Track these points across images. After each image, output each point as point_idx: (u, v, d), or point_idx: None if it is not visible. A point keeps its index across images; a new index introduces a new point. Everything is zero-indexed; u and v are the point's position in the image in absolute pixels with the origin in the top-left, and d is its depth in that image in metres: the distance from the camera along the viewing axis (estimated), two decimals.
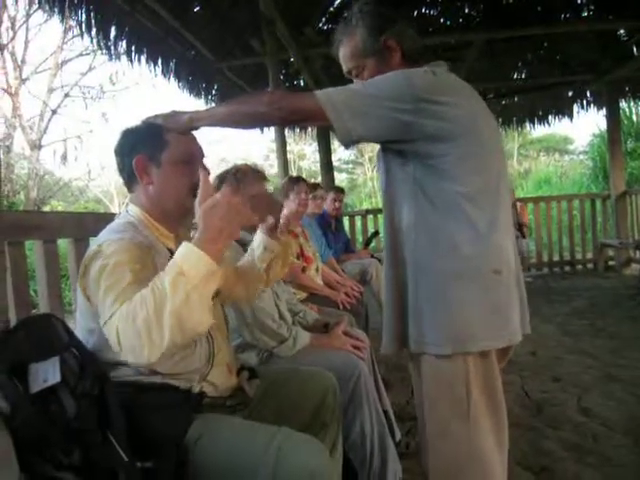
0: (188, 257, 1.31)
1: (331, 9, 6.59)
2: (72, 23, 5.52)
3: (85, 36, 5.23)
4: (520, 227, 8.00)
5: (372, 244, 6.47)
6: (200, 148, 1.80)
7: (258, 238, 2.04)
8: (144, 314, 1.26)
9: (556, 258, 9.37)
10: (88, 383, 1.40)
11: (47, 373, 1.34)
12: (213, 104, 7.74)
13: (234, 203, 1.35)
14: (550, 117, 10.39)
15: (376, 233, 6.79)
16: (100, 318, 1.41)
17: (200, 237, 1.35)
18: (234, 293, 2.04)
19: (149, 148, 1.68)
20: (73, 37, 15.41)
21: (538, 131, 27.42)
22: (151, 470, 1.39)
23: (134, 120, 1.80)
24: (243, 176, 2.53)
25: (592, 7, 6.86)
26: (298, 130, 10.28)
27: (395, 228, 1.73)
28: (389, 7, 1.82)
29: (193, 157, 1.74)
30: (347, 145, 1.63)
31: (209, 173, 1.44)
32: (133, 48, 5.89)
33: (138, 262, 1.47)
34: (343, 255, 5.43)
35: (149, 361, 1.28)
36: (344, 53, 1.84)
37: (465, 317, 1.58)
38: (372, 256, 5.52)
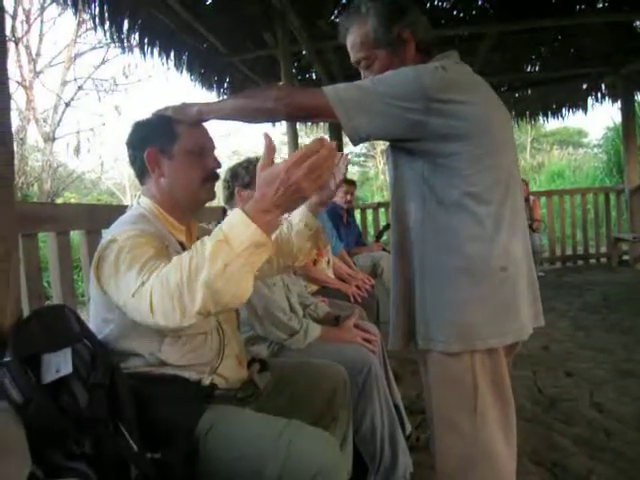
0: (235, 224, 1.29)
1: (343, 1, 6.55)
2: (85, 16, 5.52)
3: (98, 29, 5.23)
4: (531, 222, 7.96)
5: (384, 237, 6.46)
6: (211, 140, 1.80)
7: (300, 213, 1.96)
8: (177, 278, 1.26)
9: (569, 252, 9.32)
10: (99, 374, 1.41)
11: (59, 364, 1.35)
12: (225, 97, 7.74)
13: (295, 177, 1.28)
14: (564, 110, 10.29)
15: (388, 226, 6.73)
16: (122, 293, 1.40)
17: (253, 205, 1.31)
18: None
19: (160, 140, 1.68)
20: (87, 30, 15.44)
21: (552, 124, 27.30)
22: (161, 461, 1.40)
23: (146, 113, 1.81)
24: (254, 169, 2.52)
25: None
26: (310, 123, 10.26)
27: (402, 224, 1.72)
28: None
29: (204, 149, 1.74)
30: (355, 142, 1.61)
31: (270, 141, 1.37)
32: (146, 41, 5.88)
33: (153, 246, 1.48)
34: (355, 248, 5.42)
35: (181, 325, 1.28)
36: (353, 42, 1.78)
37: (472, 314, 1.58)
38: (384, 249, 5.50)
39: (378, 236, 6.62)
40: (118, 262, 1.42)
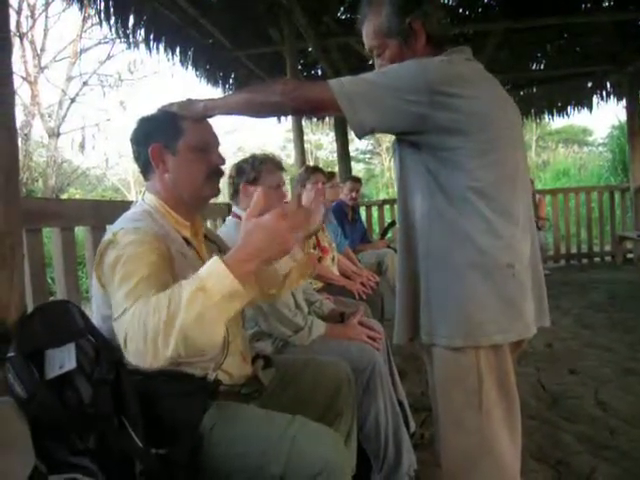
0: (213, 272, 1.28)
1: None
2: (91, 11, 5.53)
3: (104, 24, 5.26)
4: (536, 220, 7.95)
5: (389, 235, 6.45)
6: (215, 136, 1.80)
7: None
8: (155, 322, 1.24)
9: (574, 250, 9.30)
10: (104, 369, 1.41)
11: (63, 359, 1.35)
12: (230, 93, 7.74)
13: (281, 229, 1.29)
14: (569, 108, 10.28)
15: (393, 223, 6.74)
16: (113, 311, 1.40)
17: (234, 254, 1.32)
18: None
19: (165, 136, 1.68)
20: (92, 25, 15.48)
21: (557, 122, 27.24)
22: (166, 456, 1.40)
23: (151, 108, 1.81)
24: (260, 166, 2.53)
25: None
26: (315, 119, 10.27)
27: (409, 219, 1.72)
28: None
29: (209, 145, 1.74)
30: (360, 136, 1.61)
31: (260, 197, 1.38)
32: (151, 36, 5.90)
33: (154, 252, 1.47)
34: (359, 245, 5.43)
35: (150, 366, 1.27)
36: (367, 30, 1.79)
37: (476, 310, 1.57)
38: (388, 246, 5.50)
39: (383, 233, 6.62)
40: (114, 273, 1.42)
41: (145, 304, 1.29)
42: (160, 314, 1.25)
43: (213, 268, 1.29)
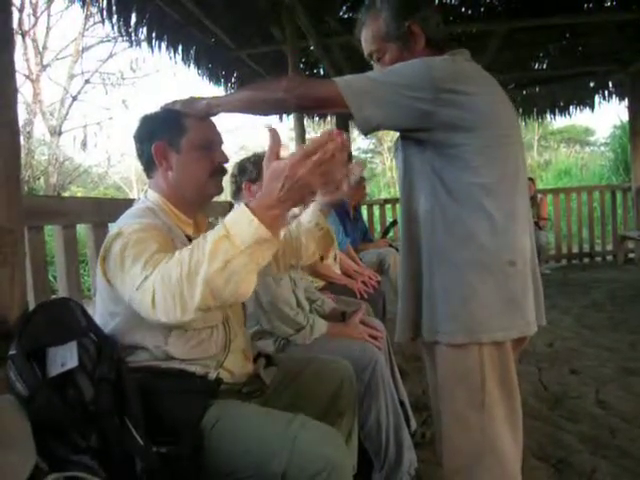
0: (238, 220, 1.26)
1: None
2: (93, 10, 5.53)
3: (106, 23, 5.25)
4: (537, 220, 7.95)
5: (390, 234, 6.46)
6: (219, 134, 1.80)
7: (311, 212, 1.94)
8: (178, 274, 1.25)
9: (575, 250, 9.30)
10: (105, 367, 1.41)
11: (65, 357, 1.35)
12: (233, 91, 7.74)
13: (301, 172, 1.23)
14: (571, 108, 10.27)
15: (394, 222, 6.74)
16: (127, 287, 1.40)
17: (258, 201, 1.28)
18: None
19: (168, 134, 1.68)
20: (94, 24, 15.47)
21: (559, 122, 27.18)
22: (167, 455, 1.40)
23: (154, 107, 1.81)
24: (262, 164, 2.52)
25: None
26: (317, 118, 10.26)
27: (412, 216, 1.73)
28: None
29: (212, 143, 1.74)
30: (366, 133, 1.63)
31: (275, 134, 1.34)
32: (154, 35, 5.88)
33: (160, 236, 1.49)
34: (361, 244, 5.43)
35: (181, 320, 1.27)
36: (366, 36, 1.82)
37: (479, 307, 1.58)
38: (390, 245, 5.51)
39: (385, 232, 6.62)
40: (123, 257, 1.42)
41: (167, 262, 1.30)
42: (182, 266, 1.25)
43: (239, 215, 1.27)
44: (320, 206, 1.92)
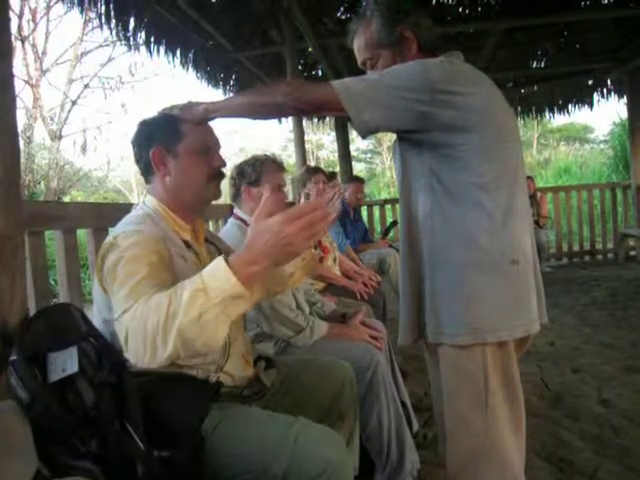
0: (215, 274, 1.26)
1: None
2: (92, 15, 5.54)
3: (104, 27, 5.26)
4: (538, 218, 7.95)
5: (391, 234, 6.46)
6: (216, 138, 1.80)
7: None
8: (154, 321, 1.24)
9: (576, 248, 9.31)
10: (106, 372, 1.41)
11: (65, 362, 1.35)
12: (231, 94, 7.75)
13: (287, 232, 1.24)
14: (570, 106, 10.26)
15: (394, 223, 6.73)
16: (113, 311, 1.41)
17: (240, 255, 1.29)
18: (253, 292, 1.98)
19: (166, 139, 1.69)
20: (93, 29, 15.49)
21: (558, 120, 27.19)
22: (168, 459, 1.40)
23: (153, 111, 1.81)
24: (261, 167, 2.53)
25: None
26: (316, 120, 10.27)
27: (411, 218, 1.73)
28: None
29: (209, 148, 1.75)
30: (364, 135, 1.63)
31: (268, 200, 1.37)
32: (152, 39, 5.89)
33: (154, 254, 1.47)
34: (361, 245, 5.43)
35: (148, 366, 1.27)
36: (359, 45, 1.83)
37: (482, 307, 1.58)
38: (390, 246, 5.51)
39: (385, 233, 6.62)
40: (115, 273, 1.43)
41: (145, 303, 1.29)
42: (160, 314, 1.24)
43: (216, 269, 1.27)
44: None
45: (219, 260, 1.28)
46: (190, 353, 1.28)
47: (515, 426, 1.66)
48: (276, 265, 1.33)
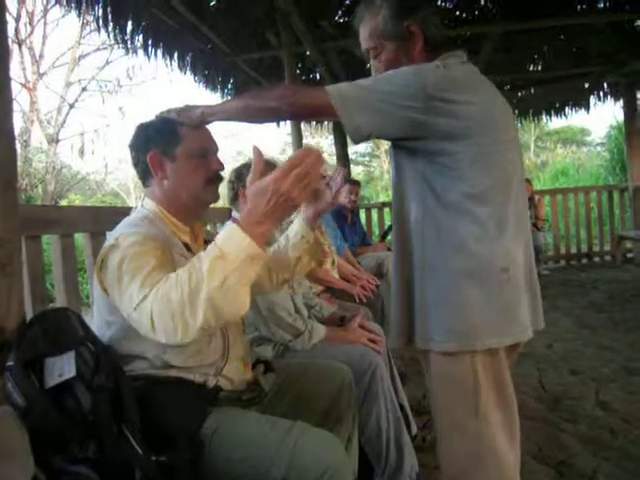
0: (229, 239, 1.30)
1: (347, 2, 6.55)
2: (89, 18, 5.53)
3: (102, 31, 5.25)
4: (535, 221, 7.96)
5: (389, 237, 6.46)
6: (214, 142, 1.80)
7: (297, 225, 1.96)
8: (179, 296, 1.26)
9: (573, 251, 9.31)
10: (103, 377, 1.41)
11: (62, 367, 1.35)
12: (229, 97, 7.75)
13: (284, 188, 1.29)
14: (567, 109, 10.31)
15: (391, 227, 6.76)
16: (125, 305, 1.41)
17: (245, 219, 1.32)
18: (259, 280, 1.96)
19: (163, 143, 1.69)
20: (90, 32, 15.51)
21: (555, 123, 27.32)
22: (166, 464, 1.40)
23: (150, 114, 1.81)
24: None
25: None
26: (314, 123, 10.28)
27: (403, 225, 1.73)
28: None
29: (207, 151, 1.75)
30: (356, 141, 1.62)
31: (259, 154, 1.40)
32: (149, 42, 5.89)
33: (157, 250, 1.49)
34: (359, 248, 5.42)
35: (182, 341, 1.29)
36: (364, 32, 1.80)
37: (471, 315, 1.58)
38: (389, 249, 5.50)
39: (383, 236, 6.62)
40: (121, 272, 1.43)
41: (165, 282, 1.32)
42: (183, 288, 1.27)
43: (229, 233, 1.31)
44: (305, 219, 1.93)
45: (230, 225, 1.33)
46: (221, 322, 1.31)
47: (509, 430, 1.65)
48: (281, 220, 1.39)
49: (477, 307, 1.57)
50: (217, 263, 1.27)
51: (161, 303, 1.29)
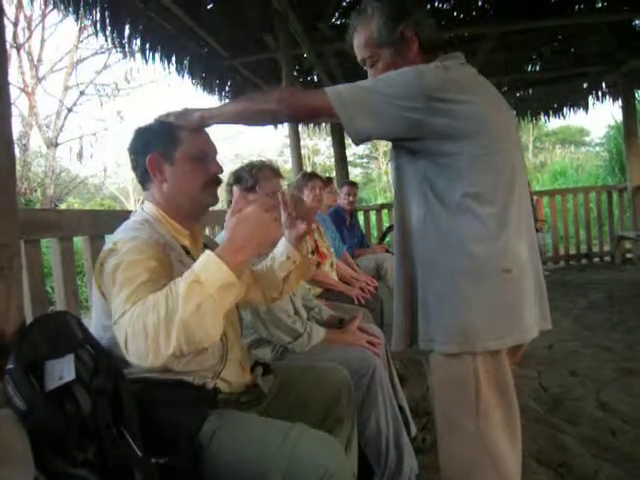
0: (207, 266, 1.31)
1: (344, 4, 6.57)
2: (87, 22, 5.54)
3: (100, 35, 5.26)
4: (534, 222, 7.96)
5: (387, 239, 6.47)
6: (213, 145, 1.80)
7: (282, 247, 2.02)
8: (154, 319, 1.26)
9: (573, 251, 9.32)
10: (102, 380, 1.41)
11: (62, 370, 1.35)
12: (227, 100, 7.75)
13: (264, 219, 1.35)
14: (565, 109, 10.34)
15: (391, 228, 6.77)
16: (113, 313, 1.41)
17: (224, 247, 1.36)
18: (249, 296, 2.03)
19: (162, 146, 1.69)
20: (88, 36, 15.51)
21: (553, 123, 27.36)
22: (166, 466, 1.40)
23: (149, 118, 1.81)
24: (258, 173, 2.53)
25: None
26: (312, 125, 10.28)
27: (405, 225, 1.73)
28: None
29: (206, 154, 1.75)
30: (357, 142, 1.62)
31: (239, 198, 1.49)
32: (147, 46, 5.90)
33: (154, 259, 1.48)
34: (358, 250, 5.43)
35: (152, 365, 1.29)
36: (358, 42, 1.80)
37: (473, 316, 1.57)
38: (387, 251, 5.52)
39: (382, 238, 6.63)
40: (115, 277, 1.43)
41: (143, 304, 1.31)
42: (159, 311, 1.27)
43: (206, 261, 1.33)
44: (289, 239, 2.01)
45: (208, 253, 1.34)
46: (192, 347, 1.30)
47: (510, 432, 1.64)
48: (258, 252, 1.44)
49: (478, 308, 1.57)
50: (193, 288, 1.28)
51: (137, 325, 1.29)
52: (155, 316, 1.26)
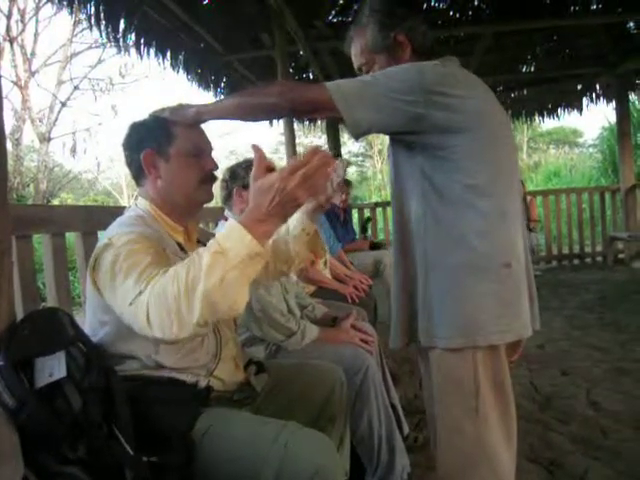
0: (230, 235, 1.28)
1: (340, 1, 6.55)
2: (81, 16, 5.51)
3: (94, 29, 5.22)
4: (528, 221, 7.98)
5: (368, 232, 6.69)
6: (208, 141, 1.79)
7: (297, 218, 1.95)
8: (175, 291, 1.25)
9: (565, 251, 9.36)
10: (94, 377, 1.40)
11: (53, 367, 1.34)
12: (222, 97, 7.74)
13: (289, 187, 1.27)
14: (559, 110, 10.36)
15: (368, 219, 7.52)
16: (119, 302, 1.40)
17: (248, 215, 1.31)
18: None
19: (157, 142, 1.68)
20: (82, 30, 15.47)
21: (547, 124, 27.40)
22: (158, 464, 1.39)
23: (143, 113, 1.80)
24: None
25: (601, 0, 6.80)
26: (307, 122, 10.27)
27: (404, 221, 1.73)
28: (400, 3, 1.81)
29: (201, 150, 1.74)
30: (357, 136, 1.62)
31: (259, 150, 1.38)
32: (142, 41, 5.86)
33: (152, 248, 1.48)
34: (346, 245, 5.42)
35: (177, 337, 1.27)
36: (355, 50, 1.85)
37: (475, 311, 1.58)
38: (371, 245, 5.59)
39: (363, 228, 6.79)
40: (115, 270, 1.42)
41: (162, 277, 1.31)
42: (179, 282, 1.25)
43: (229, 230, 1.29)
44: (306, 211, 1.93)
45: (231, 222, 1.31)
46: (216, 318, 1.30)
47: (506, 431, 1.65)
48: (284, 220, 1.36)
49: (480, 303, 1.58)
50: (217, 259, 1.25)
51: (157, 298, 1.27)
52: (176, 288, 1.25)
